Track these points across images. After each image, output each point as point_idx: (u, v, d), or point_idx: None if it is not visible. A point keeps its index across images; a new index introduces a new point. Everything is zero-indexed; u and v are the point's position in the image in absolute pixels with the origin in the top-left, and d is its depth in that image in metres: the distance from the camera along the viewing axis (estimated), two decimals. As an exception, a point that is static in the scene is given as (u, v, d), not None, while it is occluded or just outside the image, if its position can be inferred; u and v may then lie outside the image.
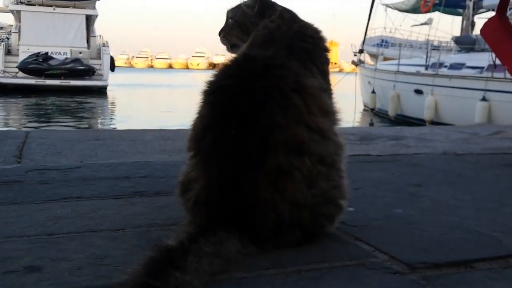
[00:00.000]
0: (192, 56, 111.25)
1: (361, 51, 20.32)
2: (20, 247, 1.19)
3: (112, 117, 16.95)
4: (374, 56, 21.85)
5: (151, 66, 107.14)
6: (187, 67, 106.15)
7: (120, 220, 1.43)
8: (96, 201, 1.63)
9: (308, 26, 1.42)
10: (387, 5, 23.43)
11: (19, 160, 2.34)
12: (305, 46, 1.34)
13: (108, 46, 25.68)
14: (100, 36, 27.33)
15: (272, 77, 1.21)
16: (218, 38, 1.54)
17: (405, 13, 23.60)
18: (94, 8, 26.00)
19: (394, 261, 1.15)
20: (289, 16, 1.43)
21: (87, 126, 14.44)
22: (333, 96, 1.39)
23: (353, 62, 20.39)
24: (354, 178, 1.99)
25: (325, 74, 1.36)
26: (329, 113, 1.28)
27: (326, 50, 1.41)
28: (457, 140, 3.52)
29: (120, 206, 1.58)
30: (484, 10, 19.11)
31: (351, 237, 1.31)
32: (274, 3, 1.47)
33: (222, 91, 1.22)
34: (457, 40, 17.49)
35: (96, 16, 26.21)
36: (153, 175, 2.04)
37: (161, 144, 2.99)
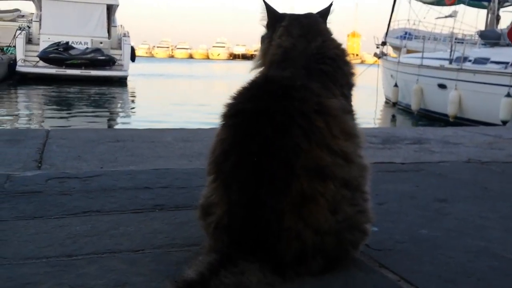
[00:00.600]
0: (213, 47, 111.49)
1: (383, 43, 20.08)
2: (39, 271, 1.18)
3: (132, 109, 17.06)
4: (397, 48, 21.56)
5: (172, 56, 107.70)
6: (207, 57, 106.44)
7: (140, 239, 1.42)
8: (116, 216, 1.62)
9: (328, 46, 1.35)
10: (411, -3, 23.06)
11: (39, 165, 2.35)
12: (325, 69, 1.29)
13: (128, 36, 25.76)
14: (121, 26, 27.44)
15: (293, 99, 1.18)
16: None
17: (429, 5, 23.19)
18: (115, -3, 26.05)
19: (420, 294, 1.12)
20: (297, 33, 1.35)
21: (107, 117, 14.57)
22: (356, 117, 1.35)
23: (375, 55, 20.16)
24: (377, 192, 1.96)
25: (347, 98, 1.31)
26: (352, 136, 1.24)
27: (350, 74, 1.35)
28: (482, 144, 3.44)
29: (140, 221, 1.57)
30: (510, 3, 18.66)
31: (376, 263, 1.28)
32: (285, 16, 1.41)
33: (243, 114, 1.19)
34: (482, 34, 17.12)
35: (117, 5, 26.28)
36: (174, 185, 2.02)
37: (181, 147, 2.98)
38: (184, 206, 1.73)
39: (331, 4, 1.47)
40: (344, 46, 1.39)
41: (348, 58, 1.37)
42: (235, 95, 1.25)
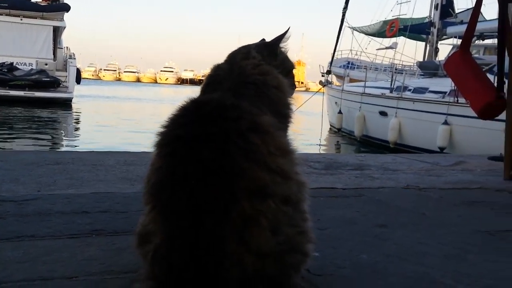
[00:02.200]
0: (161, 71, 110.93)
1: (328, 72, 20.65)
2: (-37, 303, 1.10)
3: (76, 132, 16.61)
4: (340, 77, 22.22)
5: (119, 79, 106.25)
6: (155, 81, 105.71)
7: (74, 265, 1.35)
8: (50, 241, 1.55)
9: (247, 72, 1.35)
10: (354, 28, 23.97)
11: (-29, 188, 2.22)
12: (248, 93, 1.29)
13: (74, 58, 25.36)
14: (67, 47, 26.96)
15: (228, 119, 1.16)
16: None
17: (371, 37, 24.18)
18: (62, 20, 25.66)
19: (359, 319, 1.12)
20: (226, 61, 1.40)
21: (49, 140, 14.09)
22: (289, 135, 1.36)
23: (320, 83, 20.66)
24: (319, 217, 1.97)
25: (278, 115, 1.31)
26: (288, 152, 1.23)
27: (280, 102, 1.35)
28: (420, 170, 3.56)
29: (75, 247, 1.50)
30: (447, 37, 19.74)
31: (316, 289, 1.27)
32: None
33: (177, 142, 1.15)
34: (421, 65, 18.00)
35: (64, 27, 25.88)
36: (113, 209, 1.96)
37: (124, 171, 2.91)
38: (123, 231, 1.67)
39: (286, 30, 1.49)
40: (272, 73, 1.38)
41: (268, 80, 1.35)
42: (166, 122, 1.21)
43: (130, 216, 1.85)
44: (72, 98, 23.63)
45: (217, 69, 1.40)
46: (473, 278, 1.39)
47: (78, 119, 20.76)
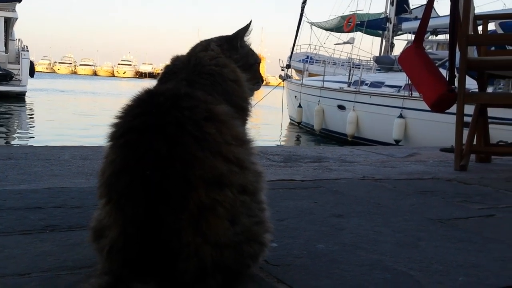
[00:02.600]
0: (118, 64, 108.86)
1: (288, 66, 20.80)
2: None
3: (30, 126, 16.11)
4: (300, 71, 22.43)
5: (75, 72, 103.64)
6: (113, 75, 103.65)
7: (27, 261, 1.32)
8: (1, 238, 1.50)
9: (204, 62, 1.35)
10: (312, 23, 24.20)
11: None
12: (204, 82, 1.29)
13: (28, 51, 24.55)
14: (19, 39, 26.05)
15: (182, 108, 1.15)
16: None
17: (329, 32, 24.48)
18: (13, 10, 24.74)
19: (315, 307, 1.14)
20: (186, 53, 1.41)
21: (2, 135, 13.61)
22: (247, 124, 1.37)
23: (280, 77, 20.79)
24: (278, 208, 1.99)
25: (235, 107, 1.30)
26: (244, 142, 1.23)
27: (235, 94, 1.34)
28: (375, 162, 3.64)
29: (28, 243, 1.46)
30: (402, 32, 20.21)
31: (274, 279, 1.28)
32: None
33: (132, 132, 1.14)
34: (377, 59, 18.38)
35: (16, 19, 25.00)
36: (68, 204, 1.92)
37: (80, 165, 2.84)
38: (78, 226, 1.64)
39: (248, 24, 1.49)
40: (229, 66, 1.37)
41: (225, 71, 1.35)
42: (120, 113, 1.20)
43: (85, 211, 1.81)
44: (26, 91, 22.97)
45: (175, 60, 1.40)
46: (424, 264, 1.44)
47: (31, 113, 20.15)
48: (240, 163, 1.17)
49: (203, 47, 1.43)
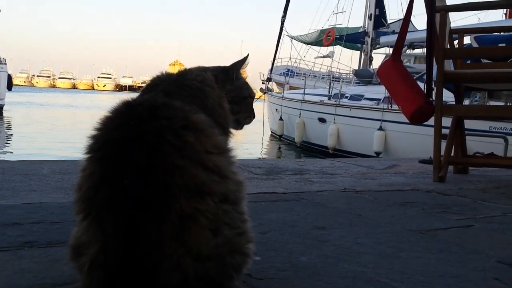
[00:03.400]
0: (98, 77, 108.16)
1: (269, 79, 20.92)
2: None
3: (8, 141, 15.85)
4: (280, 84, 22.57)
5: (54, 86, 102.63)
6: (92, 88, 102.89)
7: (5, 279, 1.29)
8: (-22, 255, 1.46)
9: (188, 77, 1.38)
10: (292, 37, 24.42)
11: None
12: (183, 92, 1.31)
13: (5, 64, 24.23)
14: (-4, 52, 25.73)
15: (160, 118, 1.14)
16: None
17: (309, 45, 24.72)
18: (-11, 22, 24.47)
19: (299, 320, 1.14)
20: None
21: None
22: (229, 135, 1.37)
23: (261, 90, 20.87)
24: (260, 221, 1.99)
25: (212, 113, 1.32)
26: (224, 150, 1.23)
27: (217, 112, 1.36)
28: (356, 174, 3.67)
29: (6, 261, 1.43)
30: (380, 46, 20.53)
31: (257, 292, 1.28)
32: None
33: (110, 145, 1.13)
34: (356, 73, 18.62)
35: (-7, 31, 24.69)
36: (47, 220, 1.89)
37: (59, 179, 2.81)
38: (57, 242, 1.61)
39: (246, 57, 1.54)
40: (211, 84, 1.40)
41: (204, 86, 1.37)
42: (98, 125, 1.18)
43: (65, 226, 1.78)
44: (3, 105, 22.65)
45: (159, 75, 1.41)
46: (406, 275, 1.45)
47: (9, 127, 19.84)
48: (221, 172, 1.16)
49: (199, 72, 1.44)
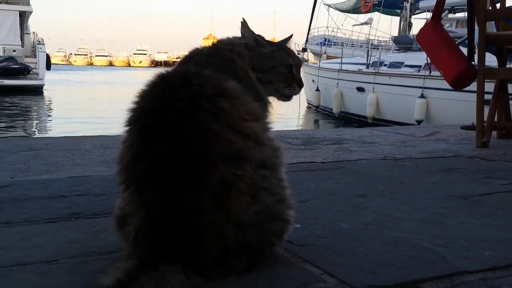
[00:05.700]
0: (134, 54, 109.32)
1: (304, 50, 20.58)
2: None
3: (49, 119, 16.33)
4: (317, 54, 22.20)
5: (91, 64, 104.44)
6: (128, 65, 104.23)
7: (53, 249, 1.34)
8: (27, 226, 1.52)
9: (220, 47, 1.39)
10: (329, 5, 23.91)
11: None
12: (214, 61, 1.31)
13: (43, 44, 24.77)
14: (34, 33, 26.27)
15: (193, 85, 1.15)
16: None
17: (346, 13, 24.15)
18: (28, 4, 24.94)
19: (343, 285, 1.13)
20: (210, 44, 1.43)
21: (22, 129, 13.83)
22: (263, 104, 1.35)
23: (296, 60, 20.58)
24: (300, 190, 1.99)
25: (244, 82, 1.31)
26: (259, 117, 1.22)
27: (243, 72, 1.36)
28: (396, 142, 3.60)
29: (54, 232, 1.48)
30: (420, 11, 19.84)
31: (299, 258, 1.28)
32: None
33: (148, 116, 1.14)
34: (395, 39, 18.08)
35: (31, 12, 25.18)
36: (91, 192, 1.94)
37: (101, 154, 2.87)
38: (102, 213, 1.66)
39: (290, 36, 1.58)
40: (241, 52, 1.40)
41: (234, 56, 1.37)
42: (136, 98, 1.20)
43: (109, 198, 1.83)
44: (43, 85, 23.20)
45: (195, 48, 1.42)
46: (450, 240, 1.43)
47: (50, 105, 20.41)
48: (257, 138, 1.16)
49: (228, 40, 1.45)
